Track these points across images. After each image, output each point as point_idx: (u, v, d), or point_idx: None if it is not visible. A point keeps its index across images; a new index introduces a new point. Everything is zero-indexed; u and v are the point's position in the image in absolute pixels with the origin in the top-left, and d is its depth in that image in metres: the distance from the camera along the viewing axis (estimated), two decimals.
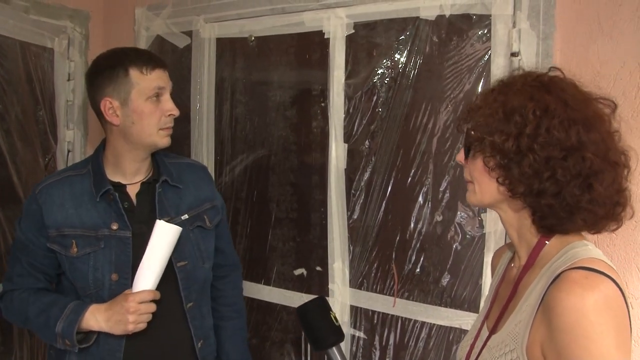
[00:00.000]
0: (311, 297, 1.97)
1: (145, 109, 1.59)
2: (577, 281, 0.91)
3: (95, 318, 1.54)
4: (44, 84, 2.29)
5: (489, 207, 1.14)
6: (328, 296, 2.01)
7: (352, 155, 1.96)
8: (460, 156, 1.13)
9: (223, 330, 1.85)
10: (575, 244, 1.01)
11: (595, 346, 0.87)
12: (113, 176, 1.66)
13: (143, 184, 1.67)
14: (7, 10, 2.06)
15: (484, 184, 1.07)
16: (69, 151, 2.44)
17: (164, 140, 1.65)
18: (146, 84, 1.58)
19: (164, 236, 1.53)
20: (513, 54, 1.65)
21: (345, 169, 1.97)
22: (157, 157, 1.74)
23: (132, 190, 1.67)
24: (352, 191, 1.97)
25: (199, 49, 2.25)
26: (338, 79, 1.95)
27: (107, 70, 1.59)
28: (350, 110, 1.95)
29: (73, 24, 2.38)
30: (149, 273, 1.53)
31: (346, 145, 1.96)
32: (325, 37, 1.97)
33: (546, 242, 1.05)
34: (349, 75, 1.95)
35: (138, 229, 1.62)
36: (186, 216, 1.69)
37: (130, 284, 1.58)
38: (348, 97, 1.95)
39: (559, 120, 0.97)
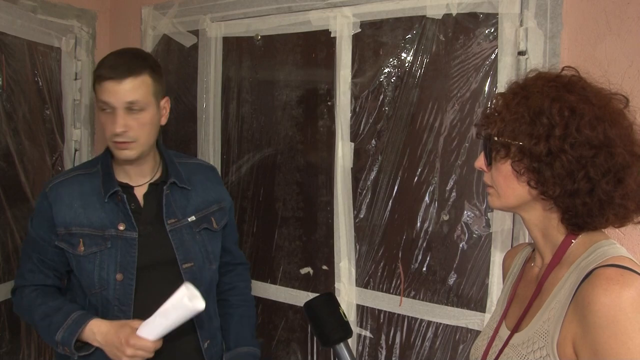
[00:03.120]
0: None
1: (100, 118, 1.59)
2: (612, 278, 0.92)
3: (94, 335, 1.53)
4: (51, 83, 2.30)
5: (512, 210, 1.13)
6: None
7: (359, 155, 1.96)
8: (480, 162, 1.12)
9: (230, 317, 1.85)
10: (603, 242, 1.02)
11: (633, 342, 0.88)
12: (121, 176, 1.67)
13: (151, 185, 1.68)
14: (15, 10, 2.07)
15: (510, 188, 1.07)
16: (76, 150, 2.44)
17: (118, 153, 1.59)
18: (97, 94, 1.56)
19: (184, 308, 1.41)
20: (520, 53, 1.64)
21: (352, 168, 1.96)
22: (166, 157, 1.74)
23: (140, 191, 1.67)
24: (359, 190, 1.97)
25: (205, 48, 2.25)
26: (344, 78, 1.95)
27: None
28: (357, 109, 1.95)
29: (80, 23, 2.39)
30: (159, 326, 1.45)
31: (352, 144, 1.96)
32: (332, 36, 1.97)
33: (572, 240, 1.05)
34: (355, 74, 1.94)
35: (144, 230, 1.63)
36: (193, 218, 1.70)
37: (134, 285, 1.59)
38: (354, 96, 1.95)
39: (587, 119, 0.98)
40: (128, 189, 1.66)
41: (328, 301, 1.29)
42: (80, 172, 1.69)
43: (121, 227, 1.61)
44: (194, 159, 1.87)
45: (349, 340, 1.29)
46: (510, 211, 1.15)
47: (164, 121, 1.66)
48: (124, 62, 1.54)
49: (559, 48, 1.60)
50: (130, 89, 1.52)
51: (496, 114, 1.07)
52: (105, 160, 1.68)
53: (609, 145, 0.98)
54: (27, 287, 1.67)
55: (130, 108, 1.53)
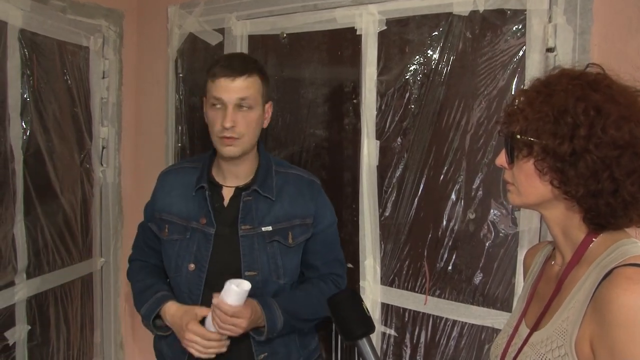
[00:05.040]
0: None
1: (208, 114, 1.68)
2: (632, 278, 0.90)
3: (165, 315, 1.67)
4: (80, 82, 2.34)
5: (531, 208, 1.12)
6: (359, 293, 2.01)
7: (384, 152, 1.95)
8: (502, 160, 1.11)
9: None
10: (624, 241, 1.00)
11: None
12: (216, 174, 1.75)
13: (237, 188, 1.73)
14: (46, 11, 2.10)
15: (531, 187, 1.06)
16: (103, 148, 2.48)
17: (223, 150, 1.66)
18: (210, 91, 1.65)
19: (232, 292, 1.50)
20: (549, 50, 1.63)
21: (377, 166, 1.96)
22: (264, 163, 1.76)
23: (228, 192, 1.73)
24: (384, 188, 1.96)
25: (231, 47, 2.26)
26: (370, 75, 1.95)
27: (206, 71, 1.70)
28: (383, 107, 1.94)
29: (108, 22, 2.42)
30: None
31: (378, 142, 1.95)
32: (357, 33, 1.97)
33: (593, 239, 1.04)
34: (381, 72, 1.94)
35: (222, 229, 1.69)
36: (269, 228, 1.70)
37: (204, 277, 1.68)
38: (380, 94, 1.94)
39: (613, 119, 0.96)
40: (217, 187, 1.74)
41: (351, 297, 1.30)
42: (188, 165, 1.83)
43: (203, 221, 1.70)
44: (297, 169, 1.84)
45: (373, 338, 1.29)
46: (530, 208, 1.14)
47: (265, 124, 1.75)
48: (238, 63, 1.66)
49: (589, 44, 1.57)
50: (242, 87, 1.63)
51: (519, 112, 1.05)
52: (209, 157, 1.79)
53: (635, 145, 0.96)
54: (136, 261, 1.89)
55: (240, 105, 1.63)
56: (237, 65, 1.64)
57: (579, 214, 1.04)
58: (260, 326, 1.63)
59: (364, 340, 1.26)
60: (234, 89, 1.62)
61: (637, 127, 0.97)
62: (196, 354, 1.59)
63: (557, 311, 1.03)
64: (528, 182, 1.06)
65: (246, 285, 1.51)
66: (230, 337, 1.61)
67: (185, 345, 1.60)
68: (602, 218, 1.01)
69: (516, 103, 1.08)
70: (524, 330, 1.13)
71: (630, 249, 0.98)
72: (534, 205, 1.10)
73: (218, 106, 1.63)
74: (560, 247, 1.11)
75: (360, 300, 1.30)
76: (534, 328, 1.08)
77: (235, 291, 1.50)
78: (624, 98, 0.99)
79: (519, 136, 1.05)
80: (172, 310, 1.66)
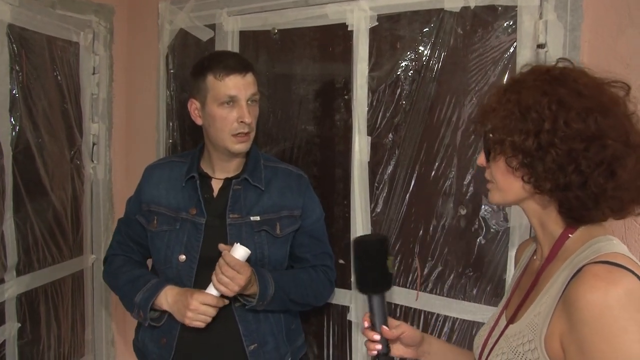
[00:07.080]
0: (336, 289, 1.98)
1: (217, 113, 1.66)
2: (599, 275, 0.91)
3: (166, 298, 1.66)
4: (70, 78, 2.32)
5: (511, 205, 1.14)
6: (350, 290, 2.01)
7: (376, 149, 1.95)
8: (481, 159, 1.14)
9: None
10: (600, 238, 1.01)
11: (618, 340, 0.87)
12: (206, 167, 1.78)
13: (227, 179, 1.75)
14: (35, 6, 2.08)
15: (507, 184, 1.08)
16: (94, 144, 2.47)
17: (236, 147, 1.69)
18: (218, 90, 1.65)
19: (234, 252, 1.56)
20: (539, 46, 1.63)
21: (369, 162, 1.96)
22: (253, 156, 1.79)
23: (217, 184, 1.76)
24: (376, 184, 1.96)
25: (222, 42, 2.25)
26: (361, 71, 1.95)
27: (195, 72, 1.70)
28: (374, 103, 1.94)
29: (98, 18, 2.41)
30: None
31: (369, 138, 1.95)
32: (349, 29, 1.97)
33: (569, 235, 1.05)
34: (372, 68, 1.94)
35: (212, 221, 1.71)
36: (257, 218, 1.72)
37: (195, 268, 1.69)
38: (372, 90, 1.94)
39: (575, 112, 0.97)
40: (206, 179, 1.76)
41: (378, 245, 1.23)
42: (175, 159, 1.86)
43: (193, 212, 1.71)
44: (284, 164, 1.89)
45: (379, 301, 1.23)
46: (510, 205, 1.16)
47: None
48: (238, 59, 1.70)
49: (579, 41, 1.58)
50: (252, 82, 1.70)
51: (490, 111, 1.07)
52: (197, 151, 1.82)
53: (601, 137, 0.97)
54: (116, 256, 1.88)
55: (252, 100, 1.68)
56: (241, 62, 1.68)
57: (555, 208, 1.06)
58: (250, 293, 1.64)
59: (376, 296, 1.21)
60: (245, 85, 1.66)
61: (603, 118, 0.97)
62: (202, 325, 1.60)
63: (531, 305, 1.05)
64: (504, 179, 1.08)
65: (248, 249, 1.57)
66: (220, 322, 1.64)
67: (190, 320, 1.59)
68: (574, 211, 1.02)
69: (488, 101, 1.10)
70: (502, 322, 1.15)
71: (603, 246, 0.99)
72: (512, 202, 1.12)
73: (228, 104, 1.65)
74: (540, 241, 1.13)
75: (386, 253, 1.23)
76: (510, 321, 1.10)
77: (239, 251, 1.55)
78: (589, 90, 1.00)
79: (491, 134, 1.07)
80: (174, 291, 1.66)
